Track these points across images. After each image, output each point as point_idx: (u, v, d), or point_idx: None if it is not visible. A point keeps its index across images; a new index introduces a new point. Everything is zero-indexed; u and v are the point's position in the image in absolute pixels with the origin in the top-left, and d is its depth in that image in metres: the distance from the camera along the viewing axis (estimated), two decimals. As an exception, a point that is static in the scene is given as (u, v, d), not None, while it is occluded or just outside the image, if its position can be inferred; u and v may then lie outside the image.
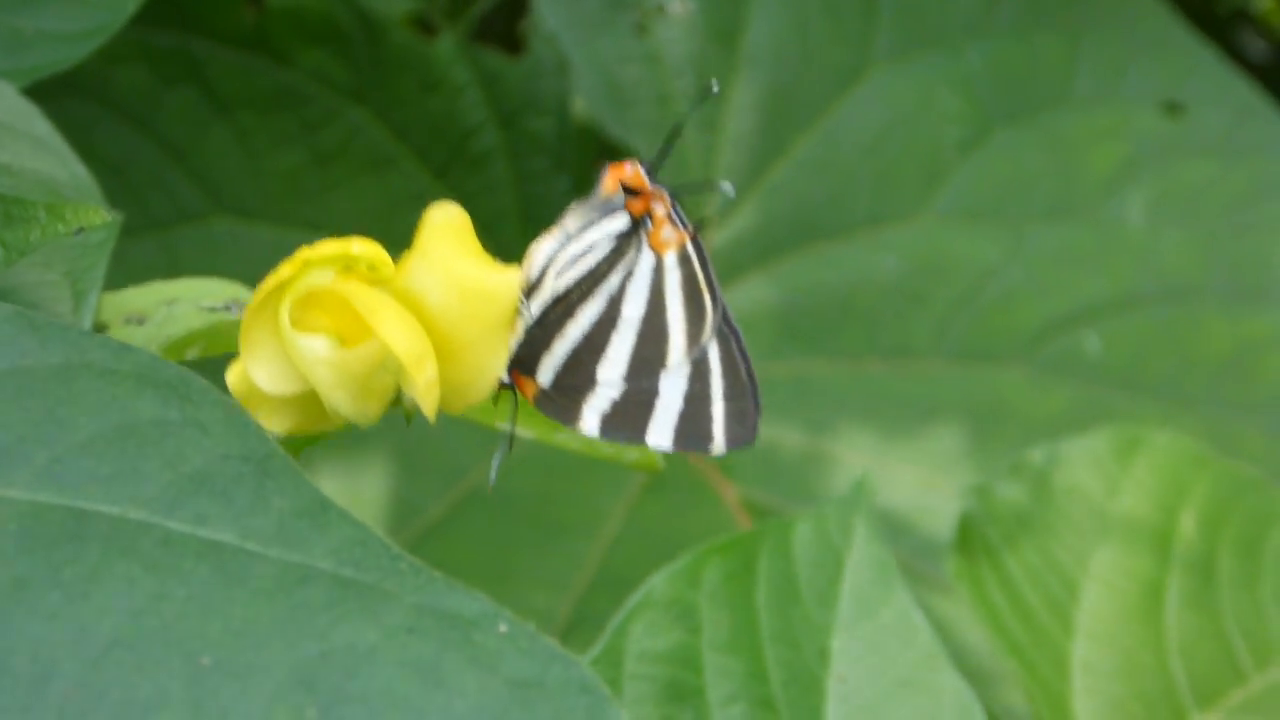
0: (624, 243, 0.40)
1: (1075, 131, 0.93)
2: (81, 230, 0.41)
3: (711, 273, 0.41)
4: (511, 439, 0.42)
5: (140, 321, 0.46)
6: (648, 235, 0.40)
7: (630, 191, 0.40)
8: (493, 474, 0.41)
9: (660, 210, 0.40)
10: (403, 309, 0.37)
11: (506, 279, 0.38)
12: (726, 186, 0.44)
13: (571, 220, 0.41)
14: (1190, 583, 0.64)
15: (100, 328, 0.46)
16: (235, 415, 0.34)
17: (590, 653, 0.51)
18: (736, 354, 0.42)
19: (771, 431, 0.89)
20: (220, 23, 0.85)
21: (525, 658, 0.31)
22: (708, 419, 0.42)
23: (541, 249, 0.41)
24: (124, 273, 0.84)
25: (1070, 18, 0.93)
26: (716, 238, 0.91)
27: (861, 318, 0.91)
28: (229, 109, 0.86)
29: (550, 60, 0.90)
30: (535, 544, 0.85)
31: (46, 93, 0.82)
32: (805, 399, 0.91)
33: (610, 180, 0.40)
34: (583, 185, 0.91)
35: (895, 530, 0.87)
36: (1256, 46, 1.06)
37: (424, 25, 0.88)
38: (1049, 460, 0.65)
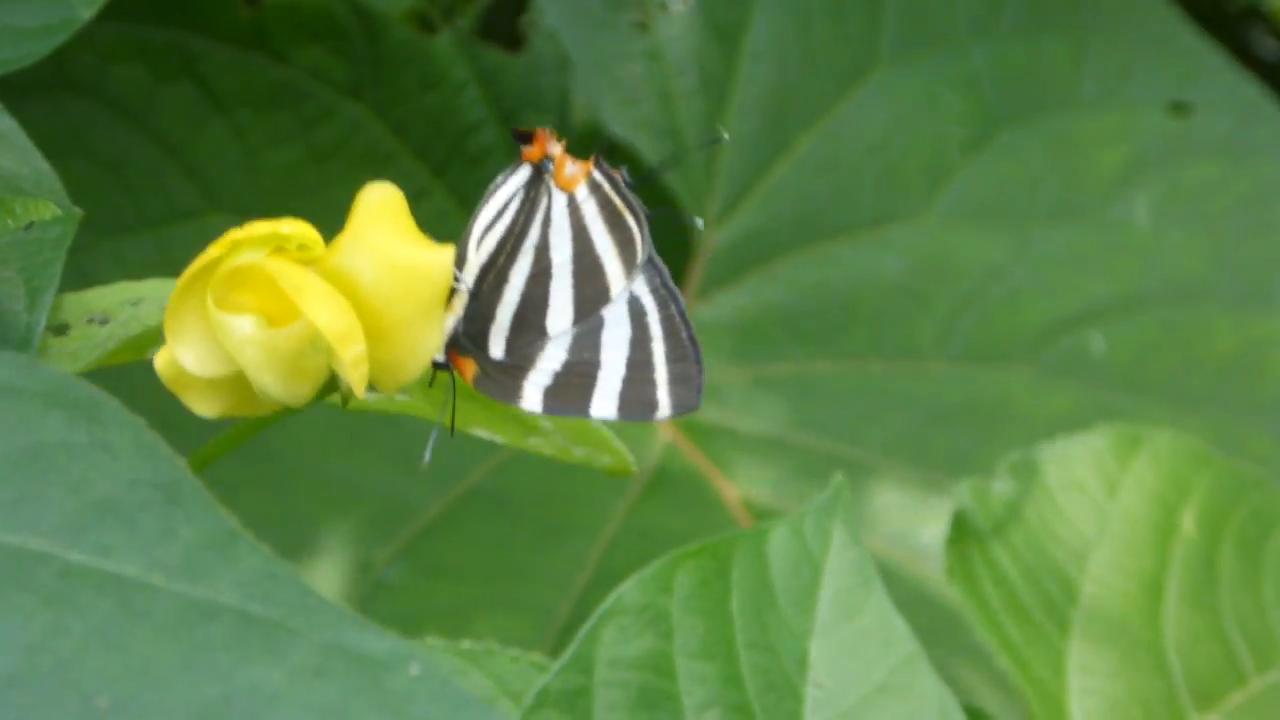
0: (532, 191, 0.40)
1: (1081, 132, 0.92)
2: (31, 225, 0.40)
3: (626, 192, 0.41)
4: (452, 423, 0.42)
5: (103, 321, 0.45)
6: (552, 178, 0.40)
7: (523, 139, 0.40)
8: (427, 454, 0.41)
9: (556, 149, 0.40)
10: (330, 287, 0.37)
11: (439, 256, 0.38)
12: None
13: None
14: (1190, 582, 0.63)
15: (61, 328, 0.46)
16: (146, 438, 0.33)
17: (560, 660, 0.51)
18: (677, 317, 0.41)
19: (773, 431, 0.89)
20: (217, 19, 0.85)
21: (435, 702, 0.30)
22: (651, 384, 0.41)
23: (467, 230, 0.41)
24: (119, 270, 0.84)
25: (1076, 18, 0.93)
26: (717, 237, 0.91)
27: (865, 318, 0.91)
28: (226, 106, 0.85)
29: (551, 57, 0.89)
30: (535, 543, 0.85)
31: (42, 89, 0.82)
32: (808, 399, 0.90)
33: (533, 152, 0.40)
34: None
35: (900, 531, 0.86)
36: (1267, 45, 1.06)
37: (423, 22, 0.88)
38: (1046, 458, 0.64)
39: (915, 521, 0.87)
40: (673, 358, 0.41)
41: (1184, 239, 0.92)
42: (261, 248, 0.37)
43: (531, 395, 0.41)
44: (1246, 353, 0.90)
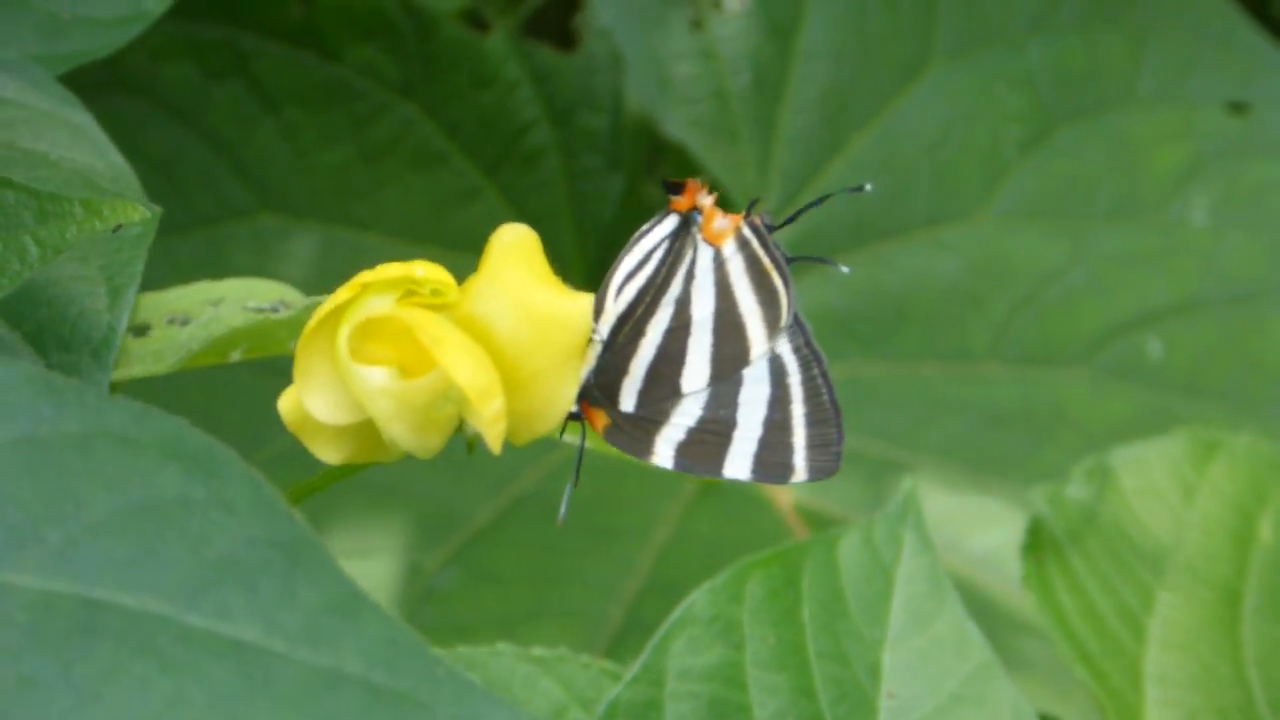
0: (678, 243, 0.39)
1: (1138, 131, 0.91)
2: (120, 227, 0.39)
3: (774, 249, 0.39)
4: (578, 472, 0.41)
5: (184, 322, 0.45)
6: (699, 230, 0.39)
7: (673, 189, 0.39)
8: (563, 508, 0.40)
9: (707, 201, 0.39)
10: (468, 338, 0.36)
11: (579, 305, 0.37)
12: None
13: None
14: (1269, 591, 0.62)
15: (142, 328, 0.45)
16: (265, 493, 0.32)
17: (630, 671, 0.50)
18: (819, 378, 0.40)
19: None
20: (268, 17, 0.84)
21: None
22: (788, 448, 0.40)
23: (608, 278, 0.39)
24: (171, 270, 0.83)
25: (1134, 15, 0.92)
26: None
27: (919, 320, 0.90)
28: (277, 105, 0.85)
29: (604, 56, 0.88)
30: (585, 549, 0.85)
31: (94, 88, 0.81)
32: (861, 402, 0.90)
33: (683, 203, 0.39)
34: (635, 184, 0.90)
35: (954, 538, 0.86)
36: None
37: (475, 20, 0.87)
38: (1121, 463, 0.63)
39: (970, 527, 0.86)
40: (813, 421, 0.40)
41: (1243, 239, 0.91)
42: (392, 291, 0.36)
43: (664, 451, 0.40)
44: (1309, 355, 0.89)
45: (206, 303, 0.44)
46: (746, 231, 0.39)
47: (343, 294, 0.36)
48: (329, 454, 0.38)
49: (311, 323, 0.36)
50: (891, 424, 0.89)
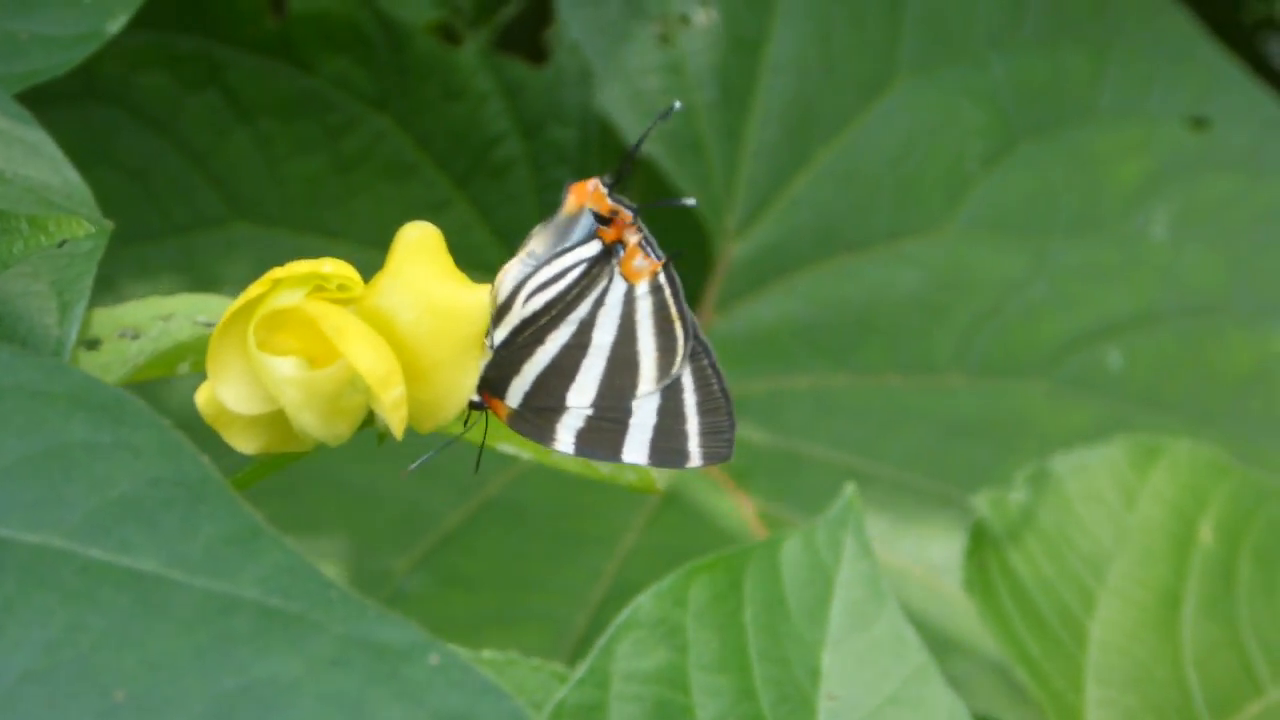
0: (595, 269, 0.40)
1: (1100, 145, 0.92)
2: (65, 242, 0.40)
3: (684, 303, 0.41)
4: (480, 455, 0.42)
5: (134, 336, 0.46)
6: (619, 263, 0.40)
7: (602, 219, 0.40)
8: (414, 465, 0.42)
9: (633, 239, 0.40)
10: (369, 329, 0.37)
11: (477, 297, 0.38)
12: (690, 201, 0.44)
13: (537, 243, 0.41)
14: (1208, 593, 0.63)
15: (93, 342, 0.46)
16: (170, 437, 0.33)
17: (575, 674, 0.51)
18: (709, 369, 0.42)
19: (790, 445, 0.89)
20: (243, 29, 0.85)
21: (455, 690, 0.30)
22: (683, 435, 0.42)
23: (510, 273, 0.41)
24: (144, 277, 0.84)
25: (1096, 31, 0.93)
26: (736, 249, 0.91)
27: (882, 332, 0.91)
28: (250, 115, 0.86)
29: (573, 70, 0.90)
30: (552, 554, 0.85)
31: (69, 97, 0.82)
32: (825, 413, 0.90)
33: (572, 200, 0.40)
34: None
35: (915, 546, 0.86)
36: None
37: (448, 33, 0.88)
38: (1065, 469, 0.64)
39: (932, 536, 0.87)
40: (705, 409, 0.41)
41: (1202, 253, 0.92)
42: (302, 286, 0.38)
43: (564, 438, 0.41)
44: (1264, 368, 0.90)
45: (157, 317, 0.45)
46: (662, 278, 0.41)
47: (254, 290, 0.37)
48: (244, 444, 0.39)
49: (224, 317, 0.37)
50: (855, 434, 0.90)
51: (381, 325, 0.37)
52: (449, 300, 0.38)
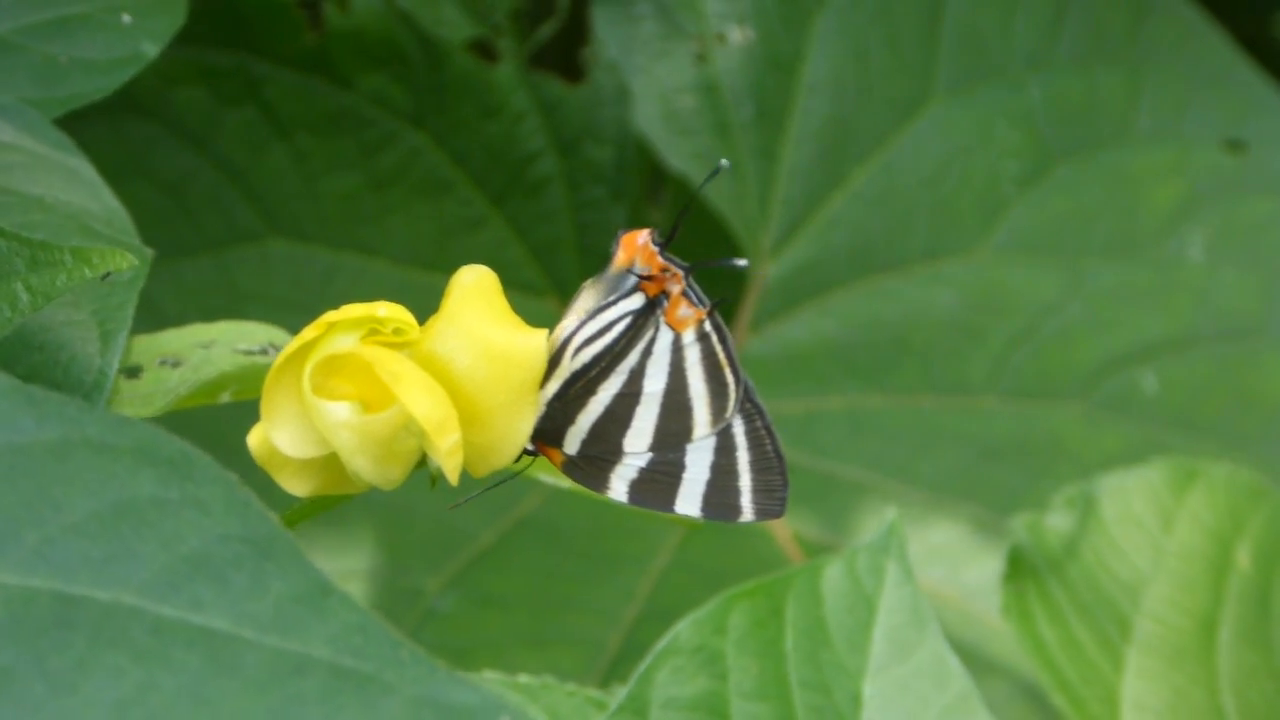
0: (641, 320, 0.41)
1: (1136, 168, 0.92)
2: (109, 275, 0.40)
3: (732, 349, 0.41)
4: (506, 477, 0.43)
5: (175, 364, 0.46)
6: (663, 313, 0.41)
7: (645, 276, 0.40)
8: (462, 499, 0.42)
9: (675, 288, 0.41)
10: (426, 374, 0.37)
11: (534, 343, 0.38)
12: (742, 262, 0.45)
13: (587, 298, 0.41)
14: (1245, 618, 0.63)
15: (134, 369, 0.46)
16: (237, 494, 0.33)
17: (615, 701, 0.51)
18: (763, 430, 0.42)
19: (825, 466, 0.89)
20: (281, 44, 0.85)
21: None
22: (735, 491, 0.42)
23: (561, 329, 0.41)
24: (179, 292, 0.84)
25: (1132, 52, 0.93)
26: (771, 270, 0.91)
27: (917, 353, 0.91)
28: (287, 131, 0.86)
29: (610, 89, 0.90)
30: (585, 574, 0.85)
31: (106, 111, 0.83)
32: (859, 434, 0.90)
33: (623, 256, 0.40)
34: (638, 215, 0.91)
35: (950, 570, 0.86)
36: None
37: (485, 51, 0.88)
38: (1102, 492, 0.64)
39: (966, 559, 0.87)
40: (758, 468, 0.42)
41: (1237, 276, 0.92)
42: (357, 330, 0.38)
43: (618, 487, 0.41)
44: (1301, 392, 0.90)
45: (197, 345, 0.45)
46: (708, 325, 0.41)
47: (309, 333, 0.37)
48: (296, 487, 0.39)
49: (278, 361, 0.37)
50: (890, 456, 0.90)
51: (437, 370, 0.37)
52: (505, 345, 0.38)
